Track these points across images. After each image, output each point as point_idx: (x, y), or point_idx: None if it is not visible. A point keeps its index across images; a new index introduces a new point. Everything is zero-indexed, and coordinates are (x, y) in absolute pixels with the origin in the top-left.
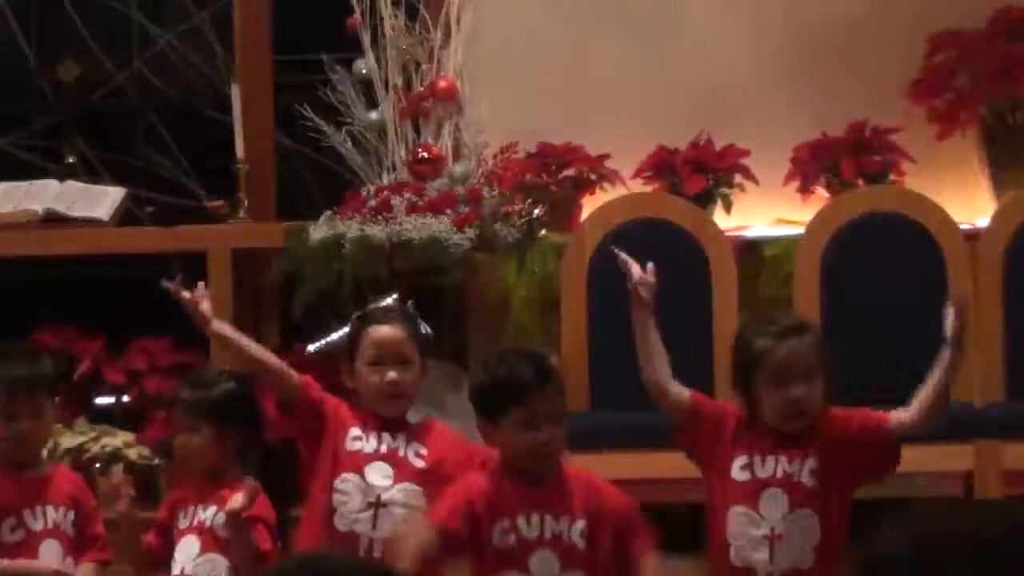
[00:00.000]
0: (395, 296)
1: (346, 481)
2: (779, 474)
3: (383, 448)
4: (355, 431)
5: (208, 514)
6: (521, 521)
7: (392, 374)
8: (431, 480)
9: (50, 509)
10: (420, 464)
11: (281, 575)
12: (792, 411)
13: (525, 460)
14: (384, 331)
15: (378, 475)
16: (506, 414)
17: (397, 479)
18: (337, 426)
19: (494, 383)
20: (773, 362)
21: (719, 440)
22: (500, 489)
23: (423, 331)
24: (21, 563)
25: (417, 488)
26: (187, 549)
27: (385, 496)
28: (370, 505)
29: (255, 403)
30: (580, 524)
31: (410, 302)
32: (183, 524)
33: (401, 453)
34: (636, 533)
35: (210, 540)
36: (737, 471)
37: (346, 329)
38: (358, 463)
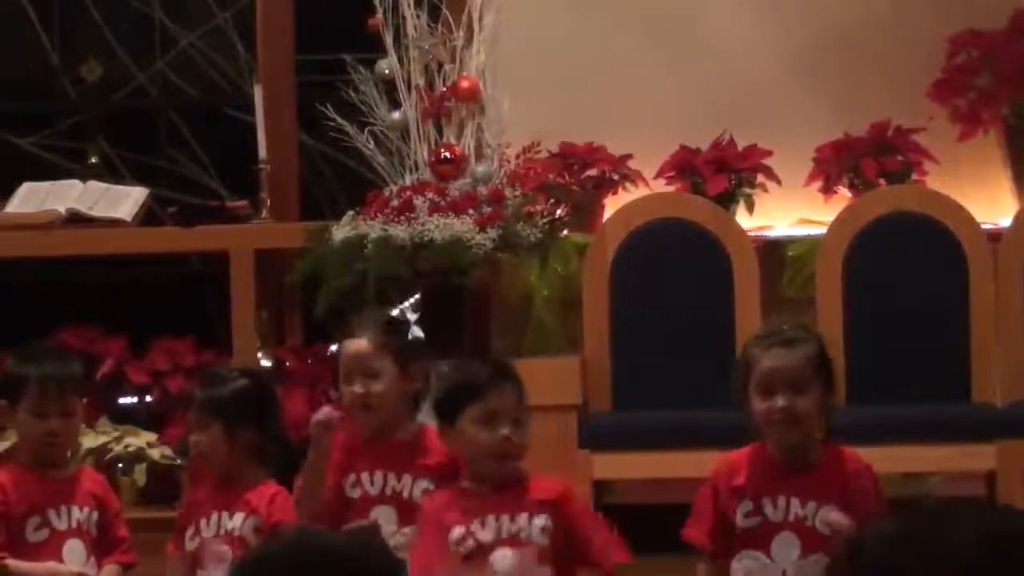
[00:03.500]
0: (417, 296)
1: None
2: (791, 517)
3: (387, 491)
4: (352, 476)
5: (236, 522)
6: (476, 524)
7: (357, 388)
8: None
9: (75, 509)
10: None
11: (283, 553)
12: (778, 419)
13: (483, 460)
14: (352, 345)
15: (382, 521)
16: (463, 412)
17: (402, 523)
18: (337, 482)
19: (451, 384)
20: (760, 371)
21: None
22: (460, 496)
23: (410, 337)
24: (45, 566)
25: None
26: (219, 558)
27: (392, 543)
28: None
29: (269, 402)
30: (540, 520)
31: (407, 305)
32: (207, 532)
33: (406, 495)
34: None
35: (241, 548)
36: (741, 519)
37: None
38: (361, 508)
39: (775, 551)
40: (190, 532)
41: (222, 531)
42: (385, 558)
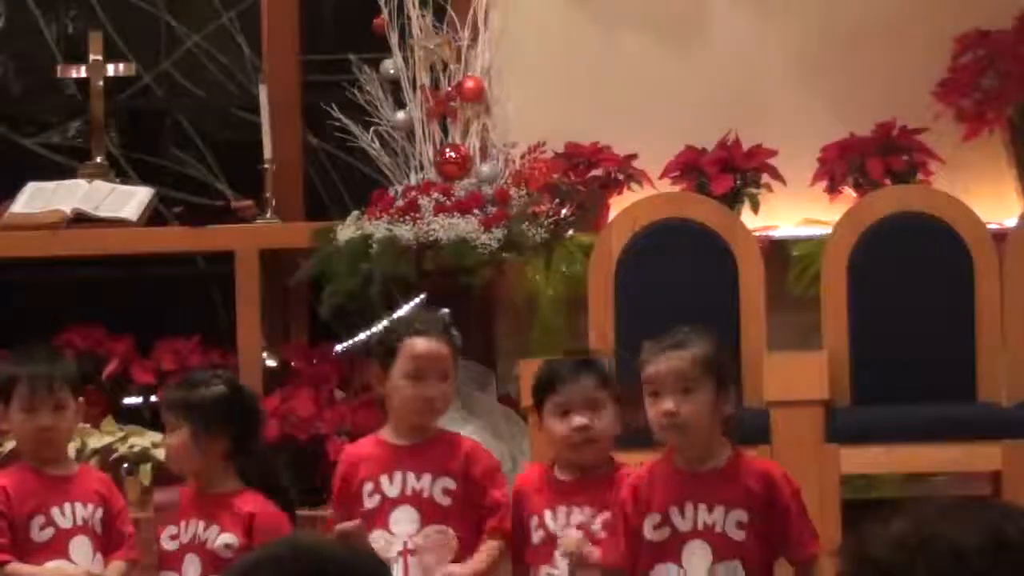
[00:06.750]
0: (423, 296)
1: (371, 539)
2: (700, 525)
3: (408, 491)
4: (368, 486)
5: (210, 534)
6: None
7: (432, 391)
8: (462, 509)
9: (79, 506)
10: (447, 502)
11: (274, 557)
12: (663, 424)
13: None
14: (427, 345)
15: (403, 522)
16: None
17: (424, 523)
18: (356, 491)
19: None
20: (647, 376)
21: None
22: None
23: (457, 342)
24: (47, 568)
25: (444, 528)
26: (189, 569)
27: (412, 544)
28: (399, 555)
29: (244, 410)
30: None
31: (446, 310)
32: (184, 537)
33: (426, 495)
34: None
35: (210, 562)
36: (650, 531)
37: (373, 330)
38: (381, 515)
39: (686, 561)
40: (171, 532)
41: (196, 540)
42: (375, 564)
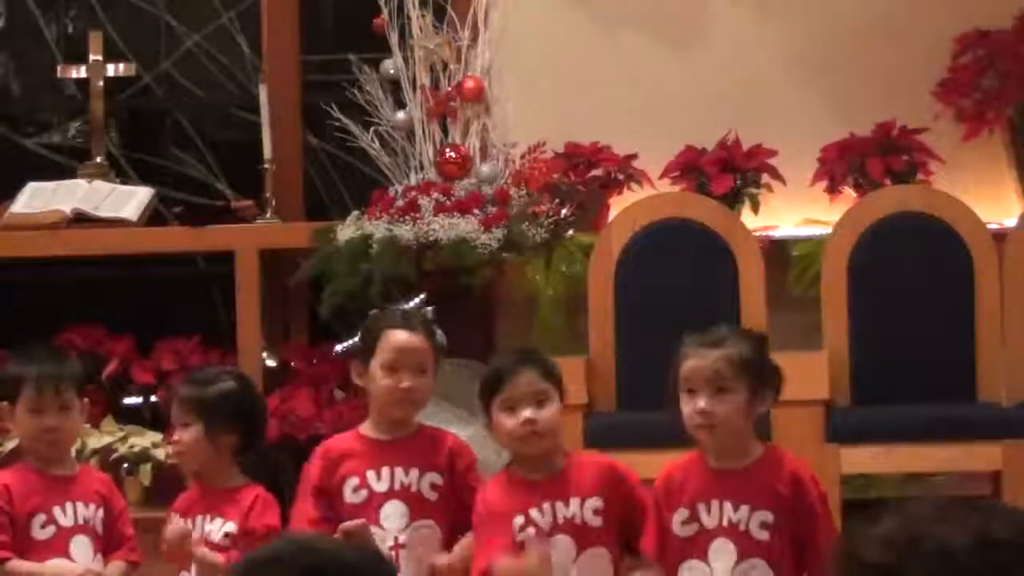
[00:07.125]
0: (423, 296)
1: None
2: (725, 523)
3: (396, 486)
4: (353, 481)
5: (215, 527)
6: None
7: (408, 382)
8: (447, 504)
9: (80, 505)
10: (434, 497)
11: (275, 555)
12: (696, 422)
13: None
14: (405, 337)
15: (392, 517)
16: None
17: (412, 518)
18: (337, 485)
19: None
20: (683, 372)
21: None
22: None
23: (440, 339)
24: (47, 566)
25: (431, 523)
26: (194, 564)
27: (402, 538)
28: (389, 549)
29: (253, 406)
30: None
31: (430, 308)
32: (194, 535)
33: (414, 489)
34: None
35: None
36: (679, 526)
37: None
38: (369, 509)
39: (711, 558)
40: None
41: (202, 535)
42: (377, 562)
